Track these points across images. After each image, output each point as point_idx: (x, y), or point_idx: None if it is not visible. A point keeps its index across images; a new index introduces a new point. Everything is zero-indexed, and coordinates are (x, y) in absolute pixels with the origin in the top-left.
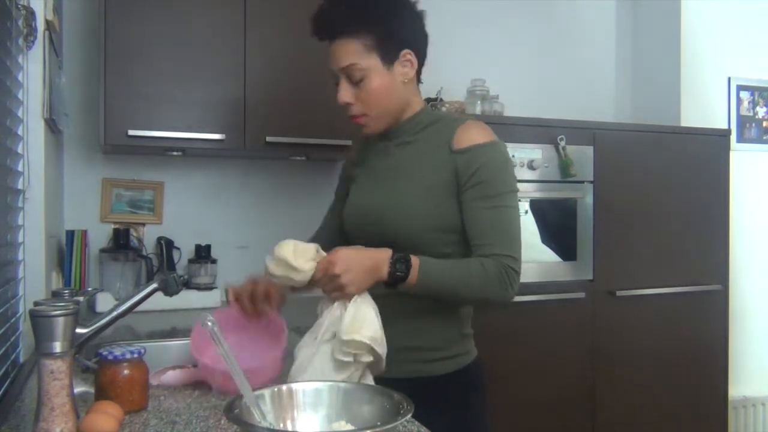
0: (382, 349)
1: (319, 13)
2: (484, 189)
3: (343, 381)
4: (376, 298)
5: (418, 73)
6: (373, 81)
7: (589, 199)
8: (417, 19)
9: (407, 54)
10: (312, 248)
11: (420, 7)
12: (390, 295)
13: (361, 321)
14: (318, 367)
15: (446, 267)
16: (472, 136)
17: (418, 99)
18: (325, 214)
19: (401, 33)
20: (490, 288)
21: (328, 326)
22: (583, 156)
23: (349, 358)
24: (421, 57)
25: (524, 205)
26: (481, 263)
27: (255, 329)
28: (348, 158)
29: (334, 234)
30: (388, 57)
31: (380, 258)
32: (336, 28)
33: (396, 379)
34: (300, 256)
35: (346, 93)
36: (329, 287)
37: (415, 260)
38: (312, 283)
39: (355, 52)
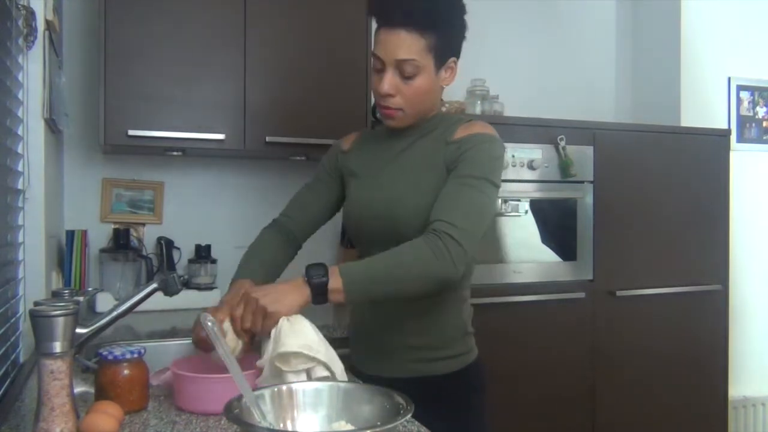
0: (321, 356)
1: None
2: (462, 168)
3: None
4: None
5: None
6: (422, 80)
7: (589, 199)
8: (465, 29)
9: (453, 61)
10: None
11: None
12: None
13: (294, 333)
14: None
15: (371, 260)
16: (471, 129)
17: (439, 103)
18: (296, 198)
19: (456, 40)
20: (425, 265)
21: (270, 346)
22: (583, 156)
23: (290, 368)
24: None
25: (524, 205)
26: (410, 243)
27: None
28: (339, 149)
29: (309, 225)
30: (440, 61)
31: (295, 279)
32: (410, 19)
33: (399, 378)
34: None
35: (390, 84)
36: (252, 317)
37: (333, 267)
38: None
39: (417, 49)
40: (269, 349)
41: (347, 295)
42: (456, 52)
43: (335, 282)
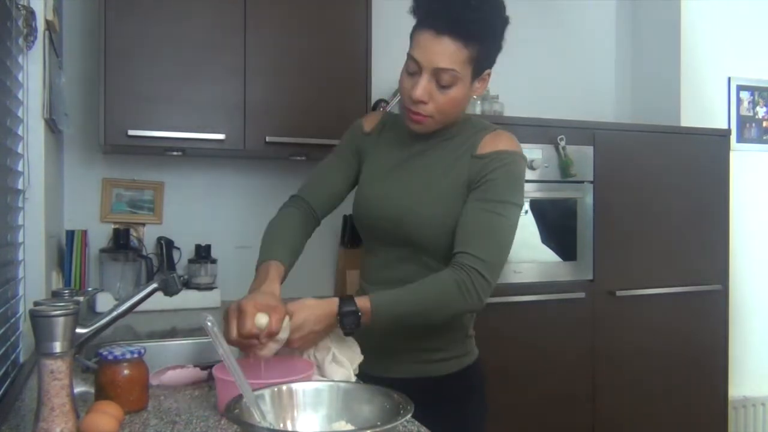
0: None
1: (448, 3)
2: (486, 191)
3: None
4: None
5: None
6: (458, 91)
7: (589, 199)
8: (504, 42)
9: (487, 73)
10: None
11: (407, 16)
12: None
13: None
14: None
15: (398, 295)
16: (497, 143)
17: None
18: (315, 174)
19: (496, 53)
20: (451, 301)
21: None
22: (583, 156)
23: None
24: None
25: (524, 205)
26: (436, 278)
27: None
28: (360, 129)
29: (329, 201)
30: (477, 72)
31: (329, 313)
32: (458, 28)
33: (400, 379)
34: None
35: (425, 90)
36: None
37: (364, 305)
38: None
39: (459, 60)
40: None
41: (373, 326)
42: (491, 64)
43: (365, 320)
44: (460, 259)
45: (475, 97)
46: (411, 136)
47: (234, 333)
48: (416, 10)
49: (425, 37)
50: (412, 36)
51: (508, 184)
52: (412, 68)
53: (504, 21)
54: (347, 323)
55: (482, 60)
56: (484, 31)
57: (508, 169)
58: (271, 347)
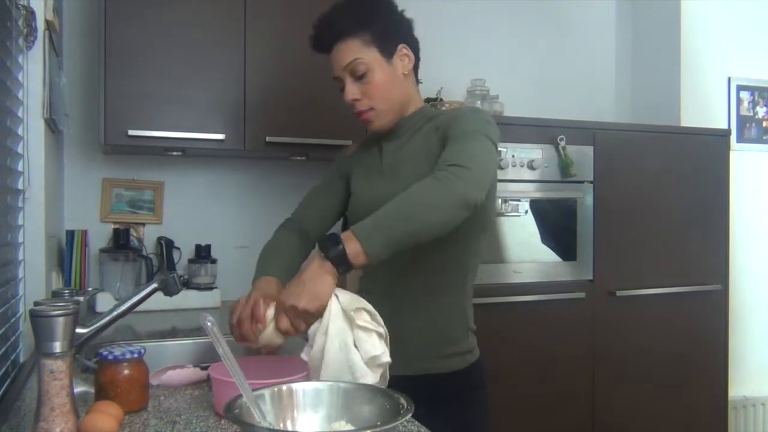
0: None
1: (316, 27)
2: (453, 130)
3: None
4: (385, 297)
5: (416, 70)
6: (376, 73)
7: (589, 199)
8: (406, 22)
9: (403, 48)
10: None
11: (409, 15)
12: (399, 294)
13: (351, 297)
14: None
15: (378, 210)
16: (456, 107)
17: (418, 97)
18: (307, 197)
19: (395, 29)
20: (436, 190)
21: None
22: (583, 156)
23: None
24: (416, 57)
25: (524, 205)
26: (415, 184)
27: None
28: (344, 155)
29: (322, 223)
30: (387, 50)
31: (312, 260)
32: (334, 33)
33: (404, 376)
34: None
35: (351, 90)
36: (297, 322)
37: (346, 234)
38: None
39: (356, 48)
40: (327, 324)
41: (370, 252)
42: (403, 38)
43: (353, 246)
44: (436, 168)
45: (405, 74)
46: (383, 139)
47: (246, 324)
48: (314, 49)
49: (329, 59)
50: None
51: (473, 120)
52: (339, 85)
53: (375, 4)
54: (333, 254)
55: (382, 39)
56: (359, 18)
57: (470, 112)
58: (269, 334)
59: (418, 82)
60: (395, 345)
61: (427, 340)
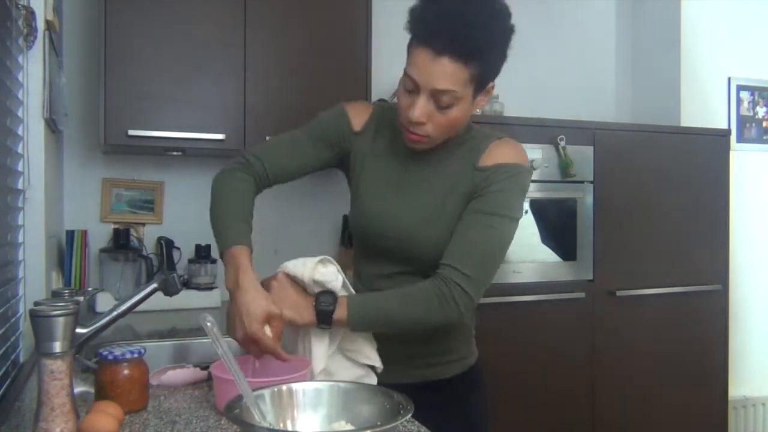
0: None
1: (448, 22)
2: (483, 203)
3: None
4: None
5: None
6: (458, 110)
7: (589, 199)
8: (508, 51)
9: (491, 86)
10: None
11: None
12: None
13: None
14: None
15: (378, 298)
16: (501, 154)
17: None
18: (276, 145)
19: (500, 66)
20: (430, 312)
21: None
22: (583, 156)
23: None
24: None
25: (524, 205)
26: (417, 287)
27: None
28: (349, 126)
29: (283, 177)
30: (480, 89)
31: (308, 298)
32: (457, 48)
33: (407, 384)
34: None
35: (423, 111)
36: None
37: (342, 298)
38: None
39: (459, 80)
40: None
41: (350, 326)
42: (496, 76)
43: (340, 313)
44: (444, 271)
45: (478, 110)
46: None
47: (260, 355)
48: (413, 26)
49: (423, 57)
50: (408, 51)
51: (507, 197)
52: (409, 86)
53: (508, 32)
54: (322, 301)
55: (485, 76)
56: (487, 48)
57: (510, 182)
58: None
59: None
60: (396, 356)
61: (428, 352)
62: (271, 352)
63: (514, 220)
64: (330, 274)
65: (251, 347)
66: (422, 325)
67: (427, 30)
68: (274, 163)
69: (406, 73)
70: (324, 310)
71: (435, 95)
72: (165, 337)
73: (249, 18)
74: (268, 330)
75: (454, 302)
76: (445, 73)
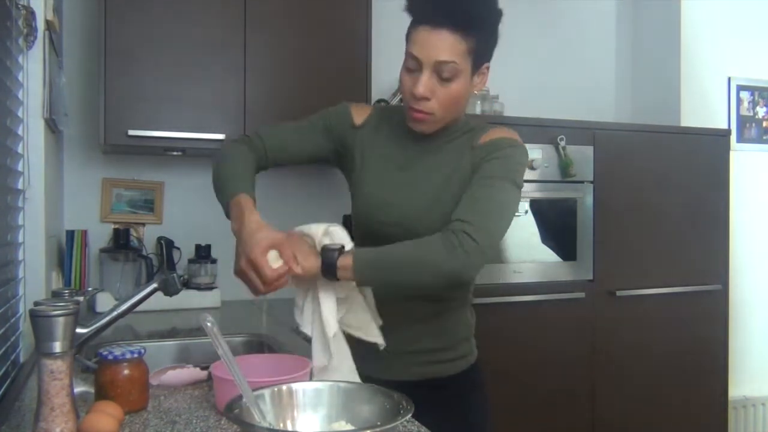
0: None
1: None
2: (484, 170)
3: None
4: (386, 303)
5: None
6: (459, 84)
7: (589, 199)
8: (499, 35)
9: (485, 67)
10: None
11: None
12: (399, 309)
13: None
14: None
15: (384, 247)
16: (496, 134)
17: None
18: (279, 131)
19: (492, 45)
20: (438, 256)
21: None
22: (583, 156)
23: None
24: None
25: (524, 205)
26: (425, 238)
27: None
28: (350, 120)
29: (281, 161)
30: (476, 66)
31: (315, 250)
32: (455, 19)
33: (407, 382)
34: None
35: (427, 85)
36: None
37: (347, 252)
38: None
39: (458, 51)
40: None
41: (356, 274)
42: (489, 58)
43: (345, 260)
44: (451, 225)
45: (476, 92)
46: (413, 134)
47: (262, 288)
48: (412, 7)
49: (423, 33)
50: (408, 34)
51: (505, 164)
52: (412, 65)
53: (498, 13)
54: (326, 257)
55: (480, 52)
56: (481, 21)
57: (507, 152)
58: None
59: None
60: (398, 352)
61: (428, 350)
62: (270, 279)
63: (516, 185)
64: (340, 234)
65: (250, 280)
66: (429, 272)
67: (424, 6)
68: (274, 144)
69: (408, 54)
70: (330, 251)
71: (437, 68)
72: (165, 337)
73: (249, 18)
74: (272, 259)
75: (462, 248)
76: (445, 43)
